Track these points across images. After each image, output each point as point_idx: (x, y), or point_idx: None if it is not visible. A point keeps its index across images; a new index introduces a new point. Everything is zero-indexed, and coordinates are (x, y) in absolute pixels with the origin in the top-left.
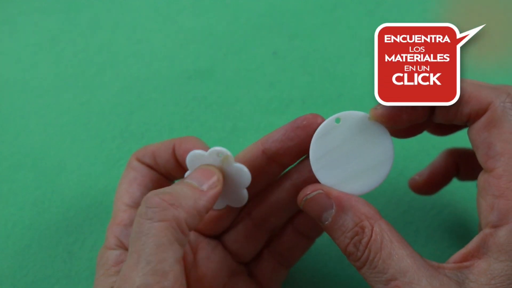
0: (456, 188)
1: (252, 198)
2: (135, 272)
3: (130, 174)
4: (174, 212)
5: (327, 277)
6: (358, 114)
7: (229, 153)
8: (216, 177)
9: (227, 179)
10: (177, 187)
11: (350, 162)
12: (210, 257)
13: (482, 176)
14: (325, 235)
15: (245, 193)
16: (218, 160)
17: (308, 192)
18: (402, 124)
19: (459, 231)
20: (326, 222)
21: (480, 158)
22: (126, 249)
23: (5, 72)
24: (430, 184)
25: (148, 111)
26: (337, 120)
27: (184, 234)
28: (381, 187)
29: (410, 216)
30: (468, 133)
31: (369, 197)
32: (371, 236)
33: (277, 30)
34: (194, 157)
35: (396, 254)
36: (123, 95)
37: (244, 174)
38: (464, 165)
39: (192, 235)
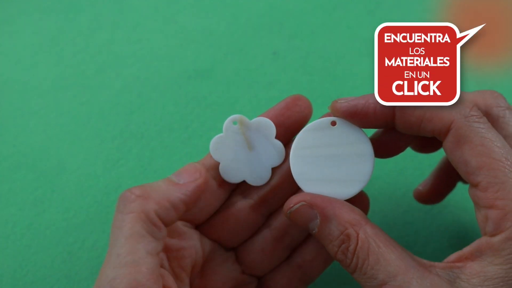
0: (456, 188)
1: (272, 211)
2: (108, 265)
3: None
4: (141, 203)
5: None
6: (355, 127)
7: (241, 116)
8: (198, 173)
9: (254, 139)
10: (153, 182)
11: (326, 166)
12: (215, 269)
13: (471, 190)
14: None
15: (278, 143)
16: (237, 129)
17: (291, 205)
18: (363, 124)
19: (459, 231)
20: (314, 232)
21: (462, 175)
22: None
23: (5, 72)
24: (435, 193)
25: (148, 111)
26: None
27: (156, 226)
28: (381, 187)
29: (410, 216)
30: (445, 152)
31: (370, 197)
32: (357, 243)
33: (277, 30)
34: (216, 144)
35: (383, 259)
36: (123, 95)
37: (266, 123)
38: None
39: (209, 245)
